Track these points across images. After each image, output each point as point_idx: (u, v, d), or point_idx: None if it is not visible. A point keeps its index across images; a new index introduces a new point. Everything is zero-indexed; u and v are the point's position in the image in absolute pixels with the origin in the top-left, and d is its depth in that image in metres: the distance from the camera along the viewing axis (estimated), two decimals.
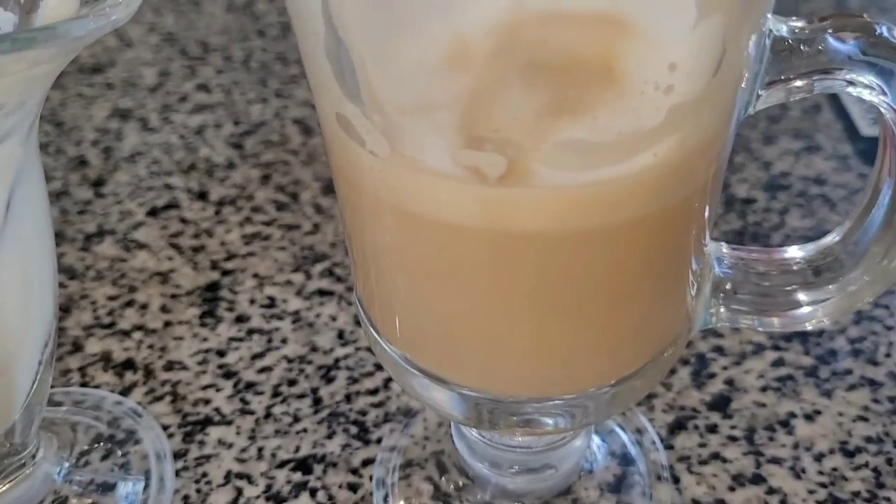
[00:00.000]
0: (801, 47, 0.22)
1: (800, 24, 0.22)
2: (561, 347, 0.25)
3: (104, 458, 0.36)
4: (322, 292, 0.43)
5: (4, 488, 0.31)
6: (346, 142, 0.21)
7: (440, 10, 0.19)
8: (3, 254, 0.25)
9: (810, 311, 0.25)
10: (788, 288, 0.25)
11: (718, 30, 0.18)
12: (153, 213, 0.48)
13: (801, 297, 0.25)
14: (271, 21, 0.65)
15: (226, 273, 0.44)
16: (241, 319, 0.42)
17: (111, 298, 0.43)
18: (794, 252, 0.26)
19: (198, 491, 0.35)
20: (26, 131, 0.24)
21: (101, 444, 0.36)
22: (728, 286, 0.26)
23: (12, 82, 0.22)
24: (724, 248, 0.26)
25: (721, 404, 0.37)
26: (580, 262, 0.22)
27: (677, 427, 0.36)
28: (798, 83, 0.23)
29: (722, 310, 0.27)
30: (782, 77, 0.22)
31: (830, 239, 0.26)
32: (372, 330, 0.27)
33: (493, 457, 0.32)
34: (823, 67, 0.22)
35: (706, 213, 0.23)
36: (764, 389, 0.38)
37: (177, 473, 0.35)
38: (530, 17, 0.18)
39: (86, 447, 0.36)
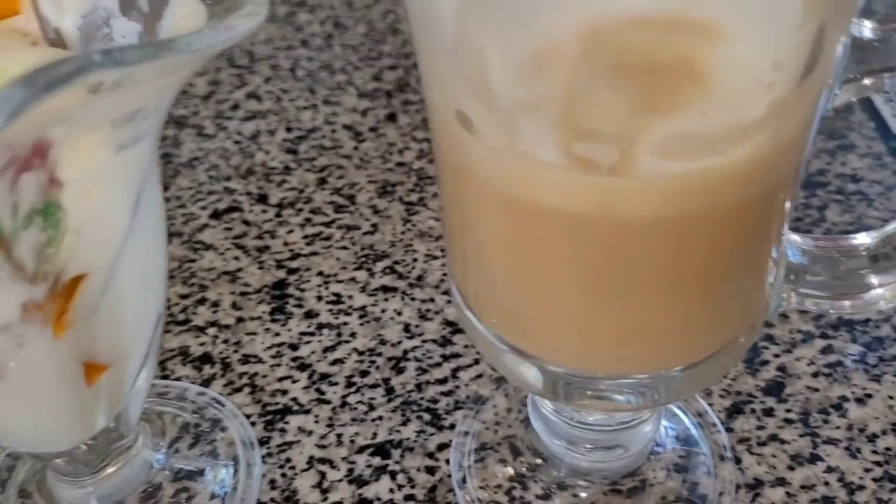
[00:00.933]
0: (876, 46, 0.24)
1: (874, 24, 0.24)
2: (647, 329, 0.27)
3: (192, 445, 0.37)
4: (385, 288, 0.45)
5: (111, 470, 0.33)
6: (464, 137, 0.23)
7: (527, 15, 0.21)
8: (129, 248, 0.27)
9: (880, 293, 0.27)
10: (861, 272, 0.27)
11: (818, 32, 0.20)
12: (216, 215, 0.50)
13: (872, 280, 0.27)
14: (314, 31, 0.67)
15: (291, 272, 0.46)
16: (310, 315, 0.44)
17: (183, 297, 0.45)
18: (862, 239, 0.28)
19: (283, 475, 0.37)
20: (155, 133, 0.26)
21: (189, 432, 0.38)
22: (799, 271, 0.28)
23: (152, 89, 0.24)
24: (795, 236, 0.28)
25: (775, 389, 0.39)
26: (676, 246, 0.24)
27: (735, 411, 0.38)
28: (868, 81, 0.25)
29: (793, 295, 0.29)
30: (857, 74, 0.24)
31: (893, 227, 0.28)
32: (468, 312, 0.29)
33: (568, 434, 0.34)
34: (894, 65, 0.24)
35: (788, 203, 0.25)
36: (815, 375, 0.39)
37: (262, 459, 0.37)
38: (621, 22, 0.20)
39: (175, 435, 0.38)
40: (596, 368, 0.28)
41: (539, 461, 0.36)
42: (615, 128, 0.21)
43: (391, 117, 0.57)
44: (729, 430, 0.37)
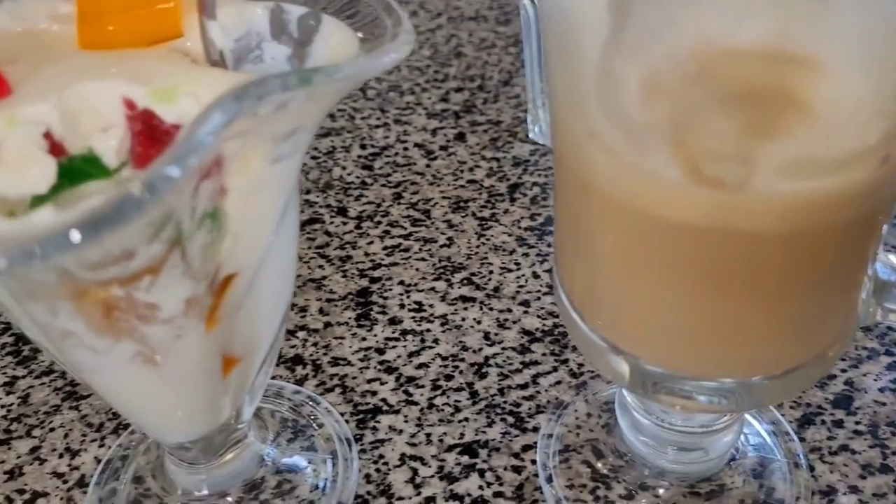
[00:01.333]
0: None
1: None
2: (745, 335, 0.29)
3: (291, 440, 0.40)
4: (464, 298, 0.47)
5: (226, 459, 0.35)
6: (595, 154, 0.26)
7: (654, 43, 0.23)
8: (273, 250, 0.29)
9: None
10: None
11: None
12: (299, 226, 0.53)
13: None
14: None
15: (373, 280, 0.49)
16: (393, 322, 0.46)
17: None
18: None
19: (377, 470, 0.39)
20: (305, 148, 0.28)
21: (288, 427, 0.40)
22: (886, 287, 0.30)
23: (312, 109, 0.26)
24: (888, 255, 0.30)
25: (844, 402, 0.41)
26: (785, 258, 0.26)
27: (806, 422, 0.40)
28: None
29: (878, 309, 0.31)
30: None
31: None
32: (573, 313, 0.31)
33: (654, 434, 0.36)
34: None
35: (885, 224, 0.27)
36: (882, 390, 0.41)
37: (357, 455, 0.39)
38: (738, 53, 0.23)
39: (276, 430, 0.40)
40: (688, 369, 0.30)
41: (621, 463, 0.38)
42: (735, 150, 0.24)
43: (460, 137, 0.60)
44: (801, 439, 0.39)
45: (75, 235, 0.18)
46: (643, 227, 0.26)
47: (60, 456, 0.40)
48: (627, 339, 0.31)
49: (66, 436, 0.41)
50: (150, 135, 0.27)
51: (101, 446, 0.41)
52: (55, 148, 0.26)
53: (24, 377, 0.44)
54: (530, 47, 0.57)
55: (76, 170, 0.27)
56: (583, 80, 0.25)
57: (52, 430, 0.42)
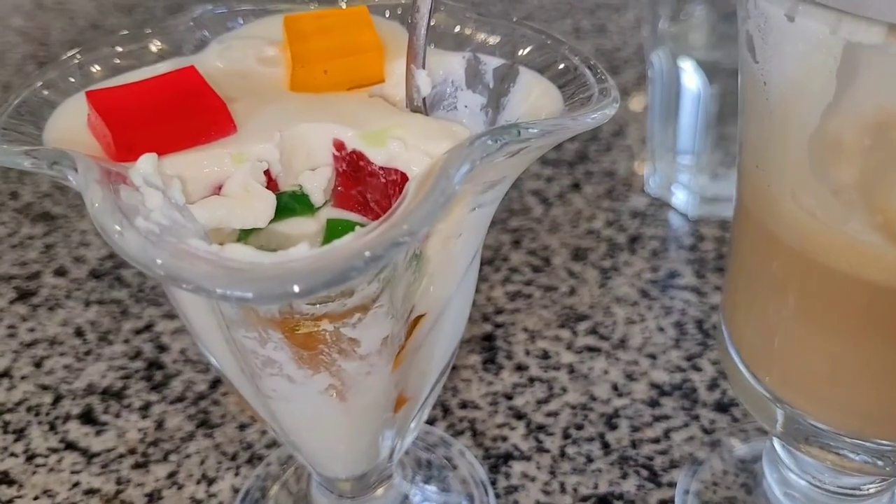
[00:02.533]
0: None
1: None
2: None
3: (428, 479, 0.40)
4: (590, 348, 0.48)
5: (378, 493, 0.36)
6: (795, 214, 0.26)
7: (859, 111, 0.23)
8: (458, 293, 0.30)
9: None
10: None
11: None
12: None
13: None
14: None
15: (497, 325, 0.49)
16: (520, 368, 0.47)
17: None
18: None
19: None
20: (502, 196, 0.29)
21: (424, 467, 0.41)
22: None
23: (523, 161, 0.27)
24: None
25: None
26: None
27: None
28: None
29: None
30: None
31: None
32: (740, 364, 0.31)
33: (803, 492, 0.36)
34: None
35: None
36: None
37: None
38: None
39: (414, 469, 0.40)
40: (850, 428, 0.30)
41: None
42: None
43: (575, 186, 0.60)
44: None
45: (363, 259, 0.19)
46: (834, 286, 0.27)
47: (198, 482, 0.41)
48: (796, 393, 0.31)
49: (202, 462, 0.42)
50: (353, 176, 0.28)
51: (236, 475, 0.41)
52: (271, 184, 0.27)
53: (157, 402, 0.45)
54: (657, 102, 0.58)
55: (284, 205, 0.28)
56: (794, 141, 0.25)
57: (187, 456, 0.42)
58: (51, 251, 0.57)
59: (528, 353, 0.47)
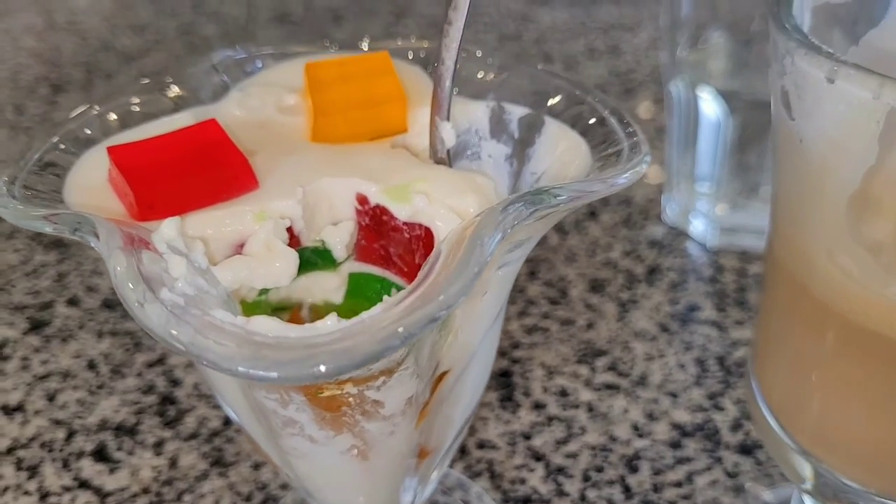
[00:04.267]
0: None
1: None
2: None
3: None
4: (609, 386, 0.47)
5: None
6: (831, 272, 0.25)
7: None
8: (481, 348, 0.29)
9: None
10: None
11: None
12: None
13: None
14: None
15: (515, 361, 0.49)
16: (538, 406, 0.46)
17: None
18: None
19: None
20: (527, 254, 0.28)
21: None
22: None
23: (548, 222, 0.26)
24: None
25: None
26: None
27: None
28: None
29: None
30: None
31: None
32: (770, 418, 0.31)
33: None
34: None
35: None
36: None
37: None
38: None
39: None
40: (882, 487, 0.30)
41: None
42: None
43: (592, 214, 0.60)
44: None
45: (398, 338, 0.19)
46: (871, 347, 0.26)
47: None
48: (827, 450, 0.30)
49: (216, 503, 0.42)
50: (376, 230, 0.28)
51: None
52: (293, 240, 0.27)
53: (171, 439, 0.45)
54: (676, 130, 0.57)
55: (306, 260, 0.27)
56: (832, 200, 0.25)
57: (202, 496, 0.42)
58: (64, 280, 0.56)
59: (545, 390, 0.47)
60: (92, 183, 0.26)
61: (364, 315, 0.20)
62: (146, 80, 0.30)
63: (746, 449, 0.43)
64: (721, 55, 0.55)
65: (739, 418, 0.45)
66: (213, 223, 0.25)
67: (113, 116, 0.28)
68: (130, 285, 0.19)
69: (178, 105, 0.30)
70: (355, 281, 0.28)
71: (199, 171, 0.26)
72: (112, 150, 0.26)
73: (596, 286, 0.54)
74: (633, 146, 0.26)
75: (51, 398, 0.48)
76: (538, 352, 0.49)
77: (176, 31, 0.90)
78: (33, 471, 0.44)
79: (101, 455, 0.44)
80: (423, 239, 0.27)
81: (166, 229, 0.23)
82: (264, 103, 0.30)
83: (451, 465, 0.42)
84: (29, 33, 0.91)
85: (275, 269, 0.25)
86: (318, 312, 0.29)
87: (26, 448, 0.45)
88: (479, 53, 0.30)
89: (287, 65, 0.32)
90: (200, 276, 0.23)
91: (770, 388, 0.31)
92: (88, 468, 0.44)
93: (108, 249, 0.21)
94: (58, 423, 0.46)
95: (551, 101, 0.29)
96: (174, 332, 0.19)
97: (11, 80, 0.82)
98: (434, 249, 0.24)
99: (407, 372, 0.25)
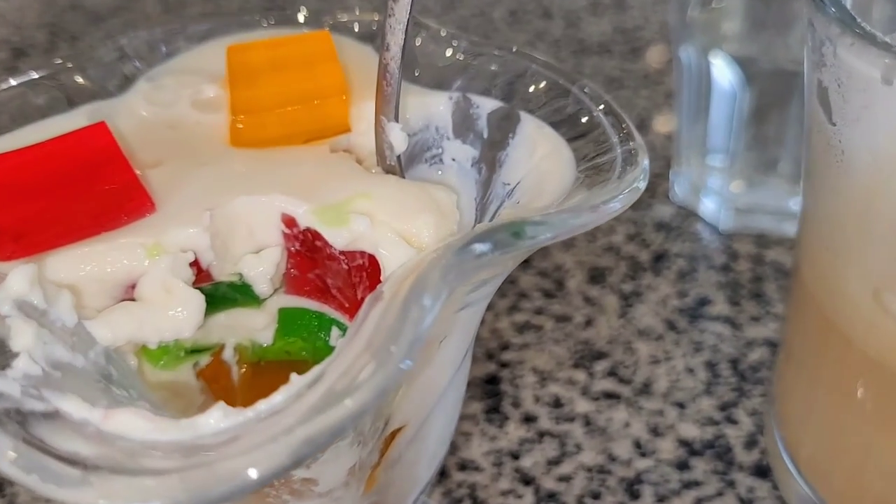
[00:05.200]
0: None
1: None
2: None
3: None
4: (608, 395, 0.42)
5: None
6: (878, 317, 0.20)
7: None
8: (442, 399, 0.24)
9: None
10: None
11: None
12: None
13: None
14: None
15: (503, 365, 0.43)
16: (528, 419, 0.41)
17: None
18: None
19: None
20: (492, 293, 0.23)
21: None
22: None
23: (518, 257, 0.21)
24: None
25: None
26: None
27: None
28: None
29: None
30: None
31: None
32: (796, 474, 0.26)
33: None
34: None
35: None
36: None
37: None
38: None
39: None
40: None
41: None
42: None
43: None
44: None
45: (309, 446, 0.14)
46: None
47: None
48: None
49: None
50: (309, 257, 0.22)
51: None
52: (201, 275, 0.22)
53: None
54: (686, 98, 0.51)
55: (221, 296, 0.22)
56: (880, 229, 0.19)
57: None
58: None
59: (537, 399, 0.42)
60: None
61: (262, 405, 0.15)
62: (36, 75, 0.24)
63: (762, 471, 0.38)
64: (736, 15, 0.49)
65: (754, 433, 0.40)
66: (93, 261, 0.20)
67: None
68: None
69: (74, 100, 0.24)
70: (287, 317, 0.23)
71: (79, 193, 0.20)
72: None
73: (596, 276, 0.48)
74: (629, 154, 0.21)
75: None
76: (530, 354, 0.44)
77: None
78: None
79: None
80: (368, 269, 0.22)
81: (14, 282, 0.18)
82: (177, 96, 0.24)
83: (428, 493, 0.38)
84: None
85: (173, 317, 0.20)
86: (244, 354, 0.24)
87: None
88: (442, 33, 0.24)
89: (209, 46, 0.26)
90: (62, 342, 0.17)
91: (797, 442, 0.26)
92: None
93: None
94: None
95: (527, 91, 0.23)
96: None
97: None
98: (374, 291, 0.18)
99: (344, 443, 0.20)
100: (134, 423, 0.15)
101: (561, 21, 0.74)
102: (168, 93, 0.24)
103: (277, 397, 0.15)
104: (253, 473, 0.14)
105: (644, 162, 0.20)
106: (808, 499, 0.26)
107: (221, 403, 0.16)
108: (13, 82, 0.25)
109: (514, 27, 0.72)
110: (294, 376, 0.16)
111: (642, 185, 0.20)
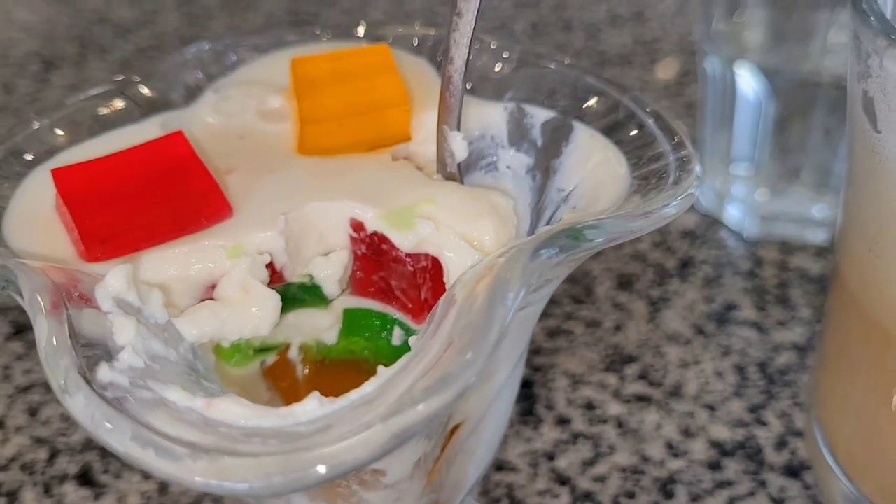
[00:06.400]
0: None
1: None
2: None
3: None
4: (639, 397, 0.43)
5: None
6: None
7: None
8: (500, 395, 0.25)
9: None
10: None
11: None
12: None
13: None
14: None
15: (536, 369, 0.44)
16: (562, 421, 0.42)
17: None
18: None
19: None
20: (551, 293, 0.24)
21: None
22: None
23: (577, 262, 0.22)
24: None
25: None
26: None
27: None
28: None
29: None
30: None
31: None
32: (834, 465, 0.27)
33: None
34: None
35: None
36: None
37: None
38: None
39: None
40: None
41: None
42: None
43: None
44: None
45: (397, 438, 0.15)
46: None
47: None
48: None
49: None
50: (375, 260, 0.24)
51: None
52: (275, 276, 0.23)
53: None
54: (710, 107, 0.53)
55: (292, 297, 0.23)
56: None
57: None
58: None
59: (570, 402, 0.43)
60: (36, 214, 0.22)
61: (353, 395, 0.16)
62: (120, 79, 0.25)
63: (793, 471, 0.39)
64: (759, 27, 0.50)
65: (784, 434, 0.40)
66: (177, 263, 0.21)
67: (59, 132, 0.24)
68: (49, 366, 0.15)
69: (145, 110, 0.25)
70: (351, 318, 0.24)
71: (161, 198, 0.21)
72: (57, 174, 0.22)
73: (623, 282, 0.49)
74: (681, 161, 0.22)
75: (32, 413, 0.44)
76: (562, 358, 0.45)
77: (175, 2, 0.86)
78: (12, 496, 0.40)
79: (85, 479, 0.41)
80: (431, 271, 0.23)
81: (112, 281, 0.19)
82: (244, 107, 0.25)
83: (475, 496, 0.39)
84: (21, 5, 0.87)
85: (252, 316, 0.21)
86: (309, 353, 0.25)
87: (5, 470, 0.41)
88: (493, 45, 0.25)
89: (273, 57, 0.27)
90: (157, 337, 0.18)
91: (836, 437, 0.27)
92: (72, 494, 0.40)
93: (32, 313, 0.17)
94: (40, 441, 0.43)
95: (580, 103, 0.24)
96: (109, 434, 0.15)
97: (2, 57, 0.77)
98: (447, 293, 0.19)
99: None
100: (236, 411, 0.16)
101: (582, 33, 0.75)
102: (234, 103, 0.25)
103: (368, 387, 0.16)
104: (347, 461, 0.15)
105: (697, 169, 0.21)
106: (853, 496, 0.27)
107: (316, 393, 0.17)
108: (83, 96, 0.26)
109: (535, 39, 0.74)
110: (381, 368, 0.17)
111: (696, 191, 0.21)
